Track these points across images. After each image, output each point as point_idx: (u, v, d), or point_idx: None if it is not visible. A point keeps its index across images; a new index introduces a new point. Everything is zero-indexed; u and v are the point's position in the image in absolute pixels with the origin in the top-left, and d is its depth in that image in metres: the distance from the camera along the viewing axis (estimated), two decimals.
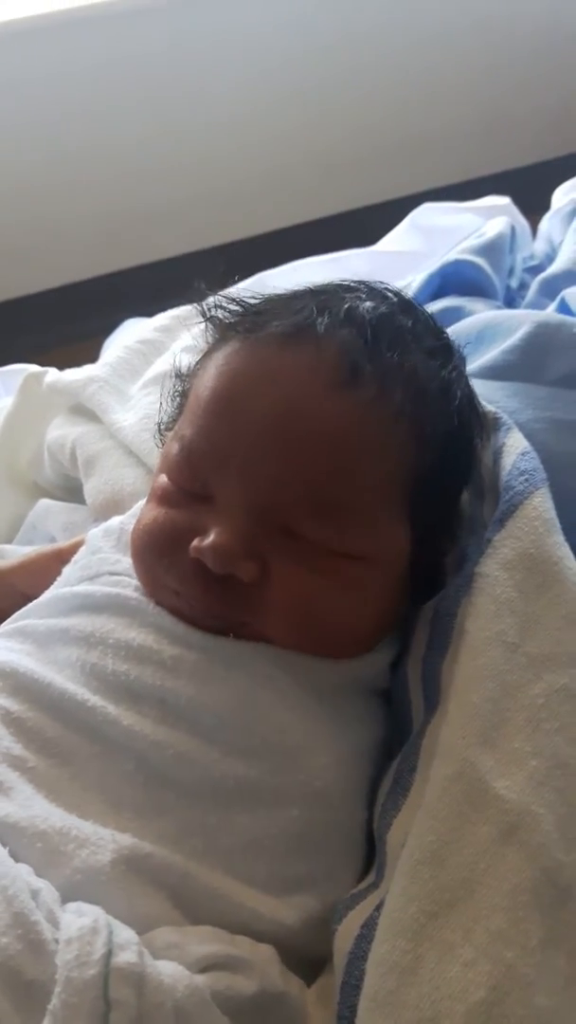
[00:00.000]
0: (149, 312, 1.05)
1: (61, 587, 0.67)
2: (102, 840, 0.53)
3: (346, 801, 0.59)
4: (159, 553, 0.61)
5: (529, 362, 0.79)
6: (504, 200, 1.25)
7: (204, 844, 0.55)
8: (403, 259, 1.19)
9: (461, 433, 0.65)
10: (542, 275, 1.05)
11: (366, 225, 1.43)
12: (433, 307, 0.94)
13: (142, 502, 0.67)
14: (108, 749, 0.57)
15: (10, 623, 0.66)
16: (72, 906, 0.50)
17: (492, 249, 1.08)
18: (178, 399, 0.69)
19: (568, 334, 0.80)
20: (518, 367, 0.79)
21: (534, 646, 0.58)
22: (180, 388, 0.69)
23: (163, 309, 1.01)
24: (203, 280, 0.70)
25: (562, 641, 0.58)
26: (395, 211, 1.31)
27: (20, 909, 0.47)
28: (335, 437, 0.58)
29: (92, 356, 1.05)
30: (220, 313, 0.67)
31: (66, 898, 0.51)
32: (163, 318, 1.00)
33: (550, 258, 1.13)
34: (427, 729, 0.58)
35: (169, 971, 0.48)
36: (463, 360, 0.68)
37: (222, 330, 0.66)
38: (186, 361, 0.71)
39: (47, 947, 0.47)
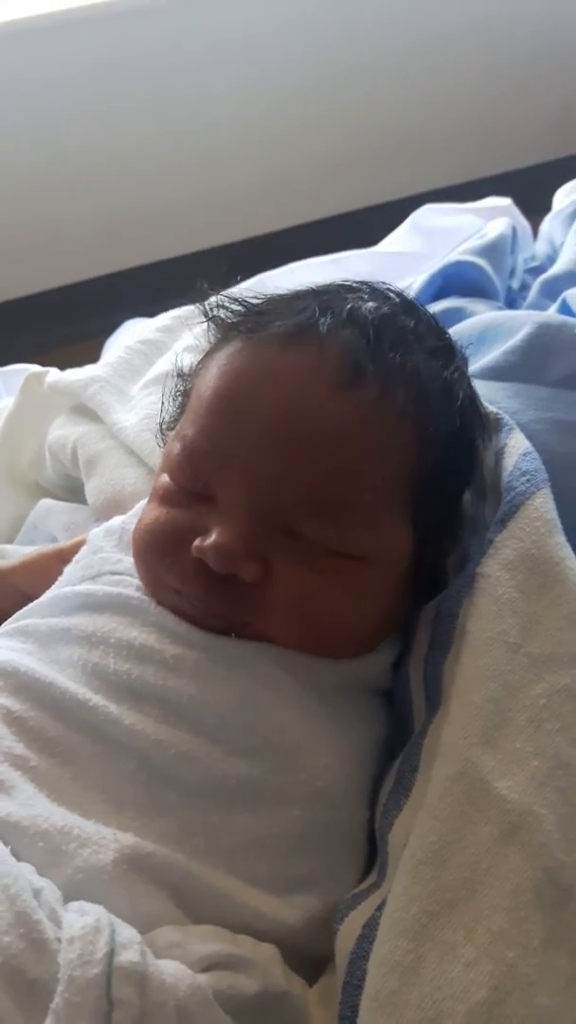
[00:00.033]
0: (149, 312, 1.05)
1: (62, 587, 0.67)
2: (104, 839, 0.53)
3: (348, 801, 0.59)
4: (161, 553, 0.61)
5: (530, 363, 0.79)
6: (505, 201, 1.25)
7: (206, 843, 0.55)
8: (404, 260, 1.19)
9: (463, 434, 0.65)
10: (543, 276, 1.05)
11: (367, 226, 1.43)
12: (434, 308, 0.94)
13: (143, 502, 0.67)
14: (110, 748, 0.57)
15: (11, 623, 0.66)
16: (74, 905, 0.50)
17: (493, 250, 1.08)
18: (180, 399, 0.69)
19: (569, 335, 0.80)
20: (519, 368, 0.79)
21: (536, 646, 0.58)
22: (182, 388, 0.69)
23: (163, 309, 1.01)
24: (204, 280, 0.70)
25: (564, 641, 0.58)
26: (396, 212, 1.31)
27: (22, 908, 0.47)
28: (337, 437, 0.58)
29: (93, 356, 1.05)
30: (222, 313, 0.67)
31: (68, 897, 0.51)
32: (164, 318, 1.00)
33: (551, 259, 1.13)
34: (429, 729, 0.58)
35: (171, 970, 0.48)
36: (465, 361, 0.68)
37: (224, 330, 0.66)
38: (188, 361, 0.71)
39: (49, 946, 0.47)
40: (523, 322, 0.83)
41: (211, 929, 0.53)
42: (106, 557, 0.67)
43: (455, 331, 0.81)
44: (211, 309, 0.68)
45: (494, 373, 0.79)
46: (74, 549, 0.72)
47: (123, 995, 0.46)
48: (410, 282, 1.04)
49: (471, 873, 0.52)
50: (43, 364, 0.98)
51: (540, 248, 1.19)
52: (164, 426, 0.71)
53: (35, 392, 0.94)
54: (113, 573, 0.65)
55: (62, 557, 0.71)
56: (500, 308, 1.01)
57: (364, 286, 0.67)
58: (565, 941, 0.51)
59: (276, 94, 2.05)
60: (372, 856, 0.59)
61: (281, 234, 2.11)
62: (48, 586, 0.68)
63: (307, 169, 2.11)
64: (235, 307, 0.67)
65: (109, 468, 0.83)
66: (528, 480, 0.63)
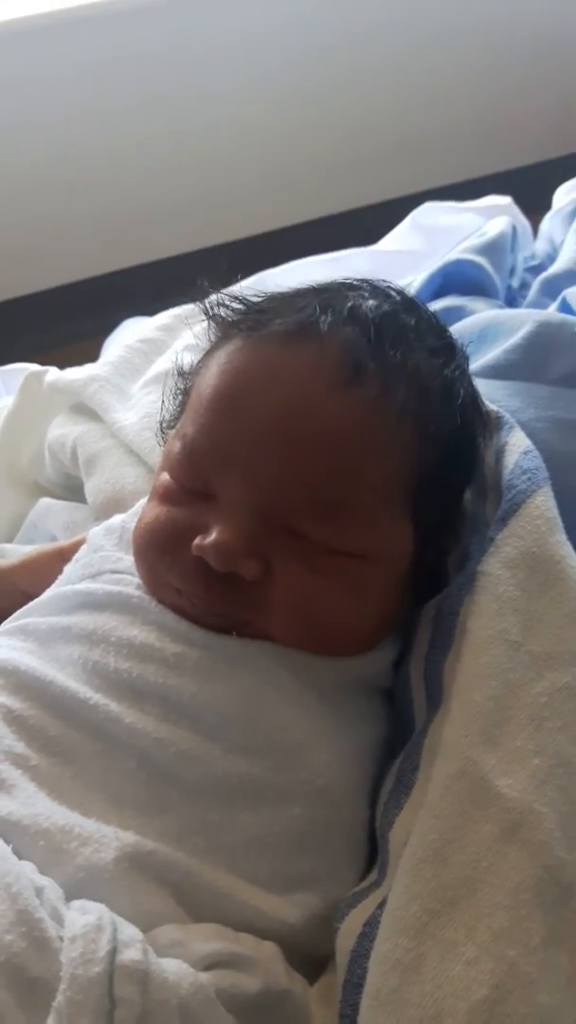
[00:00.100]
0: (149, 312, 1.05)
1: (62, 585, 0.67)
2: (105, 838, 0.53)
3: (348, 799, 0.59)
4: (161, 551, 0.61)
5: (531, 361, 0.79)
6: (505, 200, 1.25)
7: (206, 842, 0.55)
8: (404, 258, 1.19)
9: (464, 432, 0.65)
10: (543, 275, 1.05)
11: (367, 225, 1.43)
12: (434, 307, 0.94)
13: (143, 500, 0.67)
14: (110, 747, 0.57)
15: (11, 621, 0.66)
16: (76, 903, 0.50)
17: (493, 249, 1.08)
18: (180, 397, 0.69)
19: (570, 333, 0.80)
20: (520, 366, 0.79)
21: (537, 644, 0.58)
22: (182, 386, 0.69)
23: (163, 309, 1.01)
24: (204, 279, 0.70)
25: (564, 639, 0.58)
26: (396, 211, 1.31)
27: (24, 906, 0.47)
28: (337, 436, 0.58)
29: (93, 355, 1.05)
30: (223, 311, 0.67)
31: (70, 896, 0.51)
32: (164, 317, 1.00)
33: (551, 258, 1.13)
34: (429, 728, 0.58)
35: (173, 969, 0.48)
36: (466, 359, 0.68)
37: (225, 328, 0.66)
38: (188, 359, 0.71)
39: (51, 944, 0.47)
40: (523, 320, 0.83)
41: (213, 927, 0.52)
42: (106, 556, 0.67)
43: (455, 329, 0.81)
44: (211, 307, 0.68)
45: (495, 371, 0.79)
46: (74, 548, 0.72)
47: (125, 993, 0.46)
48: (410, 280, 1.04)
49: (472, 871, 0.52)
50: (43, 363, 0.98)
51: (540, 247, 1.19)
52: (164, 425, 0.71)
53: (35, 391, 0.94)
54: (113, 572, 0.65)
55: (62, 556, 0.71)
56: (500, 307, 1.01)
57: (365, 284, 0.67)
58: (566, 939, 0.51)
59: (276, 94, 2.05)
60: (373, 855, 0.59)
61: (281, 232, 2.11)
62: (48, 585, 0.68)
63: (307, 168, 2.11)
64: (235, 305, 0.67)
65: (109, 467, 0.83)
66: (529, 478, 0.63)
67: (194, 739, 0.56)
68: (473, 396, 0.67)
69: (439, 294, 1.04)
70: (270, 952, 0.53)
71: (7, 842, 0.52)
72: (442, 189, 1.81)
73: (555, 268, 1.05)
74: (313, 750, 0.58)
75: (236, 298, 0.67)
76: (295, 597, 0.58)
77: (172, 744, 0.56)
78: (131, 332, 1.05)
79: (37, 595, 0.67)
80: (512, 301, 1.08)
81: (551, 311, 0.91)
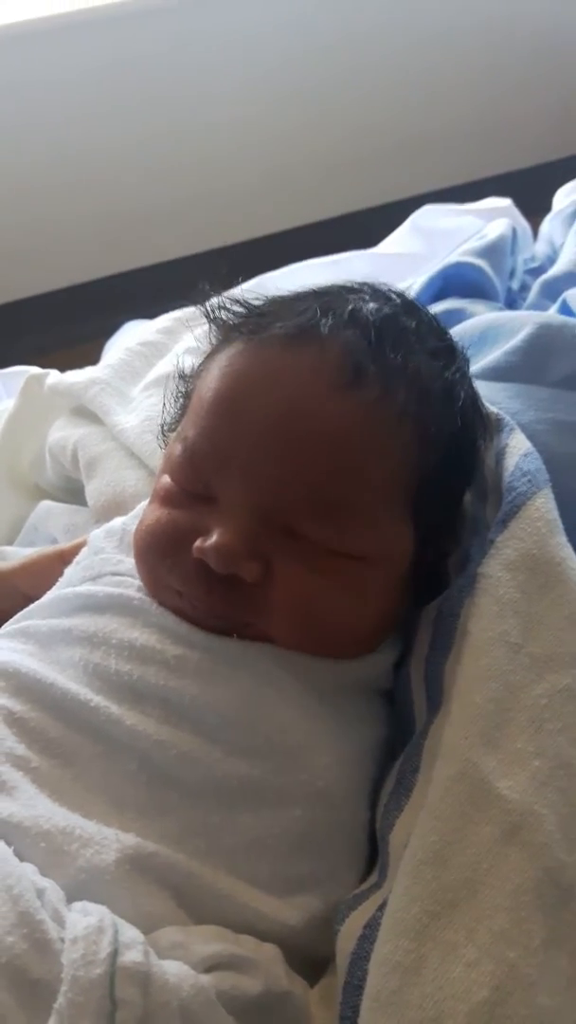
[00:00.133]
0: (150, 314, 1.05)
1: (63, 588, 0.67)
2: (106, 840, 0.53)
3: (348, 801, 0.59)
4: (162, 553, 0.61)
5: (531, 363, 0.79)
6: (505, 202, 1.25)
7: (207, 844, 0.55)
8: (404, 261, 1.19)
9: (464, 434, 0.65)
10: (543, 277, 1.05)
11: (367, 227, 1.43)
12: (434, 309, 0.94)
13: (144, 503, 0.67)
14: (111, 749, 0.57)
15: (12, 624, 0.66)
16: (78, 905, 0.50)
17: (493, 251, 1.08)
18: (181, 400, 0.69)
19: (570, 335, 0.80)
20: (520, 368, 0.79)
21: (537, 647, 0.58)
22: (183, 389, 0.69)
23: (164, 311, 1.01)
24: (204, 282, 0.70)
25: (565, 642, 0.58)
26: (396, 213, 1.31)
27: (26, 908, 0.47)
28: (338, 437, 0.58)
29: (93, 358, 1.05)
30: (224, 314, 0.67)
31: (71, 898, 0.51)
32: (164, 320, 1.00)
33: (551, 260, 1.13)
34: (430, 729, 0.58)
35: (174, 970, 0.48)
36: (467, 361, 0.68)
37: (225, 331, 0.66)
38: (189, 362, 0.71)
39: (53, 946, 0.47)
40: (524, 323, 0.83)
41: (213, 929, 0.53)
42: (107, 558, 0.67)
43: (456, 332, 0.81)
44: (212, 311, 0.68)
45: (495, 374, 0.79)
46: (75, 550, 0.72)
47: (127, 995, 0.46)
48: (410, 283, 1.04)
49: (472, 873, 0.52)
50: (43, 366, 0.98)
51: (540, 249, 1.19)
52: (165, 428, 0.71)
53: (35, 394, 0.94)
54: (114, 574, 0.65)
55: (63, 558, 0.72)
56: (500, 309, 1.01)
57: (365, 287, 0.67)
58: (566, 941, 0.51)
59: (276, 94, 2.05)
60: (373, 856, 0.59)
61: (281, 235, 2.11)
62: (49, 587, 0.68)
63: (307, 170, 2.12)
64: (236, 308, 0.67)
65: (110, 470, 0.83)
66: (529, 480, 0.63)
67: (195, 741, 0.56)
68: (473, 398, 0.67)
69: (439, 296, 1.04)
70: (271, 954, 0.53)
71: (8, 844, 0.52)
72: (442, 191, 1.81)
73: (555, 270, 1.05)
74: (313, 752, 0.58)
75: (237, 301, 0.67)
76: (295, 597, 0.58)
77: (173, 746, 0.56)
78: (132, 335, 1.05)
79: (38, 598, 0.67)
80: (512, 303, 1.08)
81: (551, 313, 0.92)
